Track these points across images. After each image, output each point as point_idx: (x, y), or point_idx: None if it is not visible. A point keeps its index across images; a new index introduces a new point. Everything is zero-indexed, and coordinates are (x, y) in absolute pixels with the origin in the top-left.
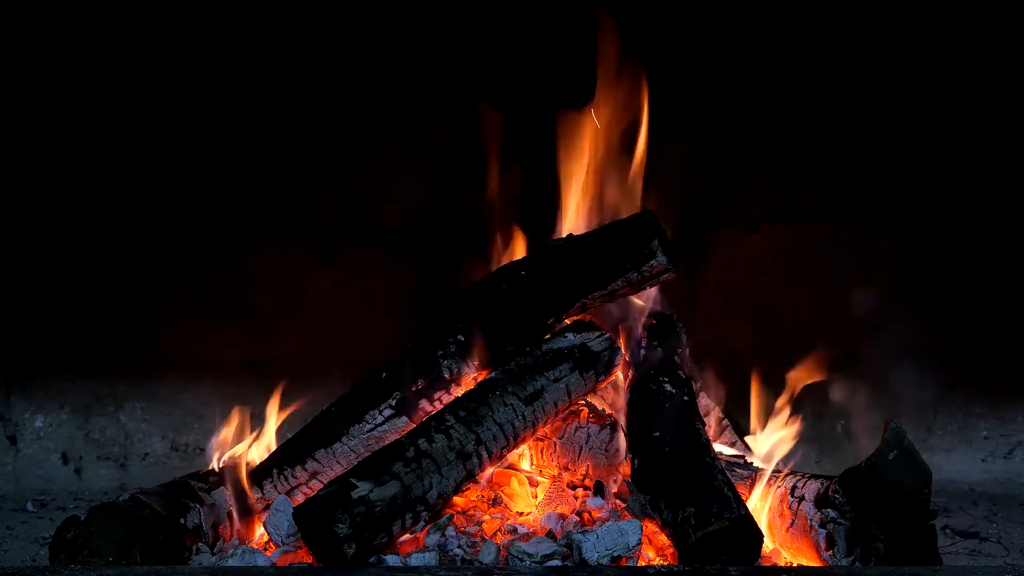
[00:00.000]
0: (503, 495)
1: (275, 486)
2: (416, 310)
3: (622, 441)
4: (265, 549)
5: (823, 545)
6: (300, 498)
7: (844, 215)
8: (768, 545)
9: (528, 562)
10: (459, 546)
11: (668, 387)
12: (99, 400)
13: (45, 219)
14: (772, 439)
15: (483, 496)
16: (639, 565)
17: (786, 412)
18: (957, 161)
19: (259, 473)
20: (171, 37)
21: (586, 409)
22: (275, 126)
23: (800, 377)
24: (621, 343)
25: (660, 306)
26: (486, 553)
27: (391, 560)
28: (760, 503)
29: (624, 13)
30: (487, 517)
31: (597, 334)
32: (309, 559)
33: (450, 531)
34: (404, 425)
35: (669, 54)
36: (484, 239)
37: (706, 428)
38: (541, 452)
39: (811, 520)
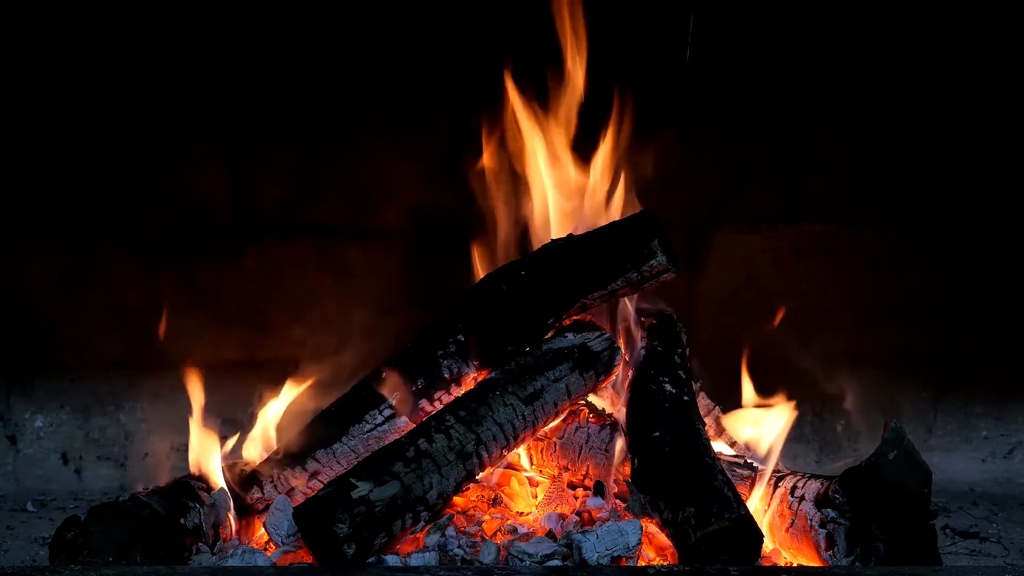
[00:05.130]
0: (503, 495)
1: (275, 486)
2: (416, 310)
3: (622, 441)
4: (265, 549)
5: (823, 545)
6: (300, 498)
7: (844, 214)
8: (768, 545)
9: (528, 562)
10: (459, 546)
11: (668, 387)
12: (99, 400)
13: (45, 218)
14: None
15: (483, 496)
16: (639, 565)
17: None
18: (958, 161)
19: (259, 473)
20: (171, 34)
21: (586, 409)
22: (275, 125)
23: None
24: (621, 343)
25: (660, 306)
26: (486, 553)
27: (391, 560)
28: (760, 503)
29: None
30: (487, 517)
31: (597, 334)
32: (309, 559)
33: (450, 531)
34: (404, 425)
35: (668, 54)
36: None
37: (706, 428)
38: (541, 452)
39: (811, 520)
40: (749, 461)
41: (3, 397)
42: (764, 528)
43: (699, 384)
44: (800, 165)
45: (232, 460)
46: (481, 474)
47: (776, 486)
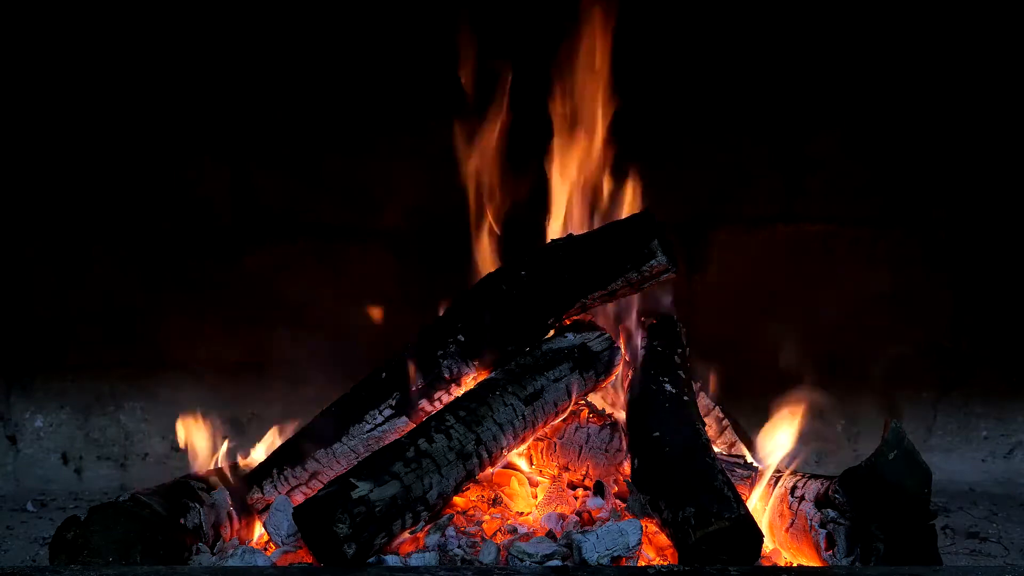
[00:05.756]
0: (503, 495)
1: (275, 486)
2: (416, 310)
3: (622, 441)
4: (265, 549)
5: (823, 545)
6: (300, 498)
7: (844, 215)
8: (768, 545)
9: (528, 562)
10: (459, 546)
11: (668, 387)
12: (99, 400)
13: (46, 219)
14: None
15: (483, 496)
16: (639, 565)
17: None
18: (958, 161)
19: (259, 473)
20: (172, 38)
21: (586, 409)
22: (275, 126)
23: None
24: (621, 343)
25: (661, 306)
26: (486, 553)
27: (391, 560)
28: (760, 503)
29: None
30: (487, 517)
31: (597, 334)
32: (309, 559)
33: (450, 531)
34: (404, 425)
35: (668, 53)
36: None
37: (706, 428)
38: (541, 452)
39: (811, 520)
40: (749, 461)
41: (3, 397)
42: (764, 528)
43: (699, 384)
44: (800, 165)
45: (232, 461)
46: (481, 474)
47: (776, 486)
